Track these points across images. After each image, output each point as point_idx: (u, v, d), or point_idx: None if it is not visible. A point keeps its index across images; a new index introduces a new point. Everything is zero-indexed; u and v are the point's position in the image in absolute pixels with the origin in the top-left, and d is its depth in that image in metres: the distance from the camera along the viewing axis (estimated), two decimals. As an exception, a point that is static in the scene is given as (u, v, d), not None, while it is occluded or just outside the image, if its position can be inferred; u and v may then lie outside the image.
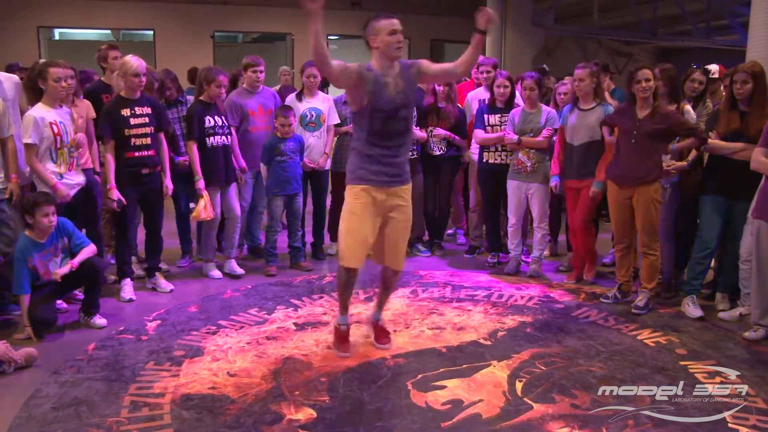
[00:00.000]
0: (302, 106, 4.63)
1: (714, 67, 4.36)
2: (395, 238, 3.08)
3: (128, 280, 3.97)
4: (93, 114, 4.07)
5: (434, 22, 12.34)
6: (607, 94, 4.63)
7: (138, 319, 3.60)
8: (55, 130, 3.55)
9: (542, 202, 4.38)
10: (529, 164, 4.34)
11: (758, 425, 2.48)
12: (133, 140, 3.80)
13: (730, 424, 2.49)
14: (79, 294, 3.73)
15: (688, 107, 3.91)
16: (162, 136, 4.02)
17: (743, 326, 3.50)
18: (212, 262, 4.42)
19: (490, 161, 4.60)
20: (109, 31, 11.74)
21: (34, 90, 3.62)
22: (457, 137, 4.80)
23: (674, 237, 3.99)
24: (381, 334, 3.27)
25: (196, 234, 4.75)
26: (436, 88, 4.77)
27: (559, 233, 5.10)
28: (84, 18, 10.86)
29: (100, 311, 3.54)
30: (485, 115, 4.59)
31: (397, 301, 3.89)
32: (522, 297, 4.02)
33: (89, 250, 3.48)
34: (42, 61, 4.01)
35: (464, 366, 2.99)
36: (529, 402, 2.65)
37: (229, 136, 4.32)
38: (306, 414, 2.54)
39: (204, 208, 4.11)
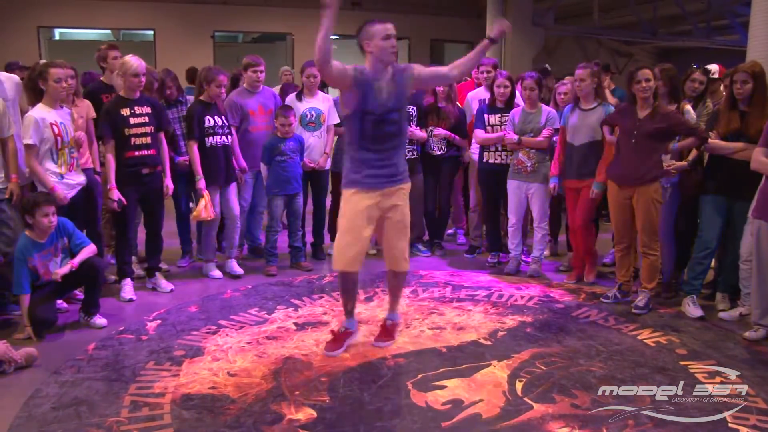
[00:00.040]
0: (302, 106, 4.63)
1: (714, 67, 4.36)
2: (391, 238, 3.08)
3: (128, 280, 3.97)
4: (93, 114, 4.07)
5: (434, 22, 12.35)
6: (608, 94, 4.62)
7: (138, 319, 3.60)
8: (56, 131, 3.55)
9: (542, 202, 4.38)
10: (529, 164, 4.34)
11: (758, 425, 2.48)
12: (132, 140, 3.80)
13: (730, 424, 2.49)
14: (79, 294, 3.73)
15: (688, 107, 3.91)
16: (162, 135, 4.02)
17: (743, 326, 3.50)
18: (212, 262, 4.42)
19: (491, 161, 4.60)
20: (109, 31, 11.74)
21: (34, 90, 3.62)
22: (457, 137, 4.80)
23: (674, 237, 3.99)
24: (382, 332, 3.27)
25: (196, 234, 4.75)
26: (436, 87, 4.77)
27: (559, 233, 5.10)
28: (84, 18, 10.86)
29: (101, 311, 3.54)
30: (485, 115, 4.59)
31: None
32: (522, 297, 4.02)
33: (89, 250, 3.48)
34: (42, 61, 4.01)
35: (464, 366, 2.98)
36: (530, 402, 2.64)
37: (229, 136, 4.32)
38: (306, 414, 2.54)
39: (204, 208, 4.11)
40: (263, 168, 4.45)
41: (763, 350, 3.23)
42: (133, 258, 4.23)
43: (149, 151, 3.87)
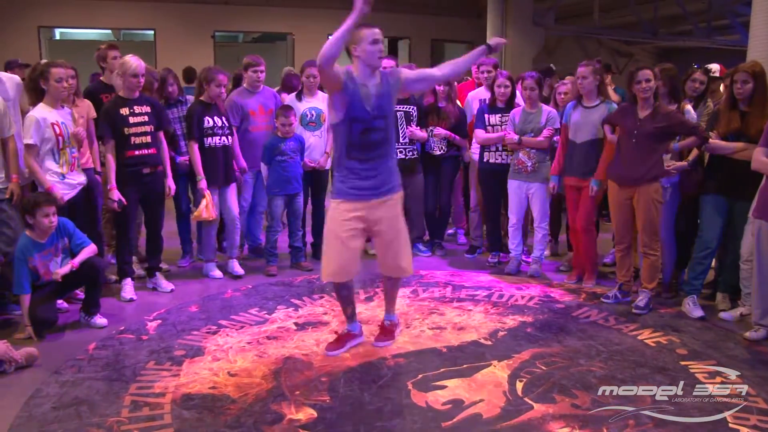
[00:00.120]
0: (302, 106, 4.63)
1: (715, 67, 4.36)
2: (381, 247, 3.07)
3: (129, 279, 3.97)
4: (94, 114, 4.07)
5: (434, 22, 12.35)
6: (611, 91, 4.61)
7: (138, 318, 3.60)
8: (57, 131, 3.56)
9: (543, 202, 4.38)
10: (529, 164, 4.34)
11: (759, 425, 2.48)
12: (132, 139, 3.80)
13: (730, 424, 2.49)
14: (79, 294, 3.73)
15: (689, 107, 3.91)
16: (162, 135, 4.02)
17: (744, 326, 3.49)
18: (212, 262, 4.42)
19: (491, 161, 4.60)
20: (109, 31, 11.75)
21: (35, 90, 3.63)
22: (457, 137, 4.80)
23: (675, 237, 3.99)
24: (382, 332, 3.27)
25: (197, 234, 4.75)
26: (437, 87, 4.77)
27: (560, 233, 5.10)
28: (84, 18, 10.87)
29: (101, 311, 3.54)
30: (486, 115, 4.59)
31: (398, 301, 3.87)
32: (522, 297, 4.02)
33: (90, 250, 3.48)
34: (43, 61, 4.02)
35: (465, 366, 2.98)
36: (530, 402, 2.64)
37: (229, 137, 4.31)
38: (306, 414, 2.54)
39: (206, 208, 4.12)
40: (263, 168, 4.45)
41: (763, 350, 3.23)
42: (134, 258, 4.23)
43: (149, 151, 3.87)
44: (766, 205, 3.22)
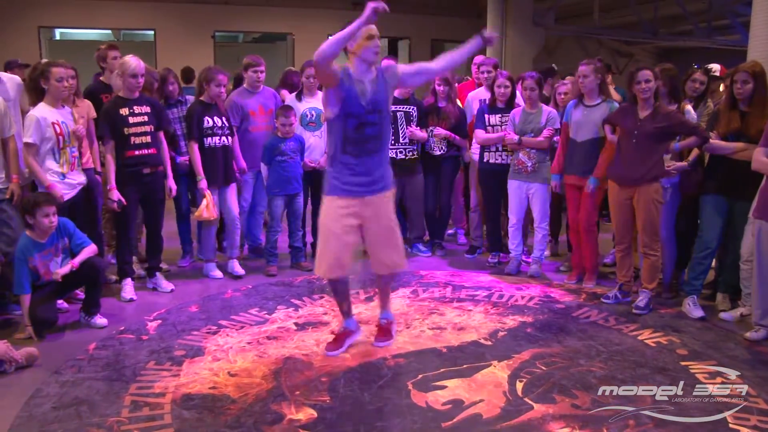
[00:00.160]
0: (302, 106, 4.63)
1: (715, 66, 4.36)
2: (373, 245, 3.06)
3: (129, 279, 3.97)
4: (94, 114, 4.08)
5: (434, 22, 12.34)
6: (612, 90, 4.60)
7: (139, 318, 3.60)
8: (58, 130, 3.56)
9: (543, 202, 4.38)
10: (529, 164, 4.34)
11: (759, 426, 2.48)
12: (132, 139, 3.80)
13: (731, 425, 2.49)
14: (80, 294, 3.73)
15: (689, 107, 3.91)
16: (162, 135, 4.02)
17: (744, 326, 3.49)
18: (212, 262, 4.42)
19: (491, 161, 4.61)
20: (109, 31, 11.74)
21: (36, 90, 3.63)
22: (457, 137, 4.80)
23: (675, 237, 3.99)
24: (380, 332, 3.27)
25: (197, 234, 4.75)
26: (437, 87, 4.78)
27: (560, 233, 5.10)
28: (85, 18, 10.86)
29: (101, 311, 3.54)
30: (486, 115, 4.59)
31: (398, 301, 3.90)
32: (522, 297, 4.02)
33: (90, 250, 3.48)
34: (44, 61, 4.02)
35: (465, 366, 2.98)
36: (530, 402, 2.64)
37: (229, 137, 4.31)
38: (306, 414, 2.54)
39: (206, 208, 4.12)
40: (263, 168, 4.45)
41: (763, 351, 3.23)
42: (134, 258, 4.23)
43: (149, 151, 3.87)
44: (767, 206, 3.22)
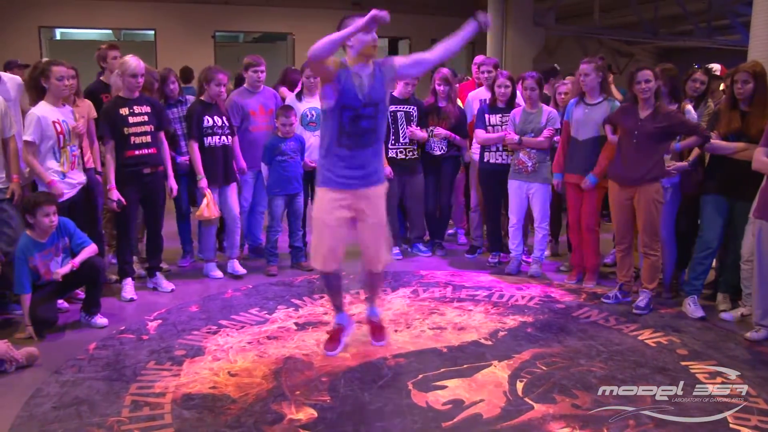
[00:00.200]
0: (302, 106, 4.63)
1: (716, 66, 4.35)
2: (365, 239, 3.05)
3: (129, 279, 3.97)
4: (94, 114, 4.08)
5: (434, 22, 12.33)
6: (614, 88, 4.59)
7: (139, 318, 3.60)
8: (59, 129, 3.56)
9: (543, 202, 4.38)
10: (530, 164, 4.34)
11: (760, 426, 2.48)
12: (132, 138, 3.80)
13: (731, 425, 2.49)
14: (80, 293, 3.73)
15: (689, 107, 3.91)
16: (162, 135, 4.02)
17: (745, 327, 3.49)
18: (212, 261, 4.42)
19: (491, 161, 4.60)
20: (110, 31, 11.75)
21: (36, 88, 3.63)
22: (457, 137, 4.80)
23: (675, 237, 3.99)
24: (374, 330, 3.26)
25: (198, 234, 4.75)
26: (437, 87, 4.78)
27: (560, 233, 5.10)
28: (85, 18, 10.87)
29: (101, 311, 3.54)
30: (486, 115, 4.59)
31: (398, 300, 3.90)
32: (523, 297, 4.02)
33: (90, 249, 3.48)
34: (45, 59, 4.02)
35: (465, 366, 2.98)
36: (530, 402, 2.64)
37: (229, 137, 4.31)
38: (307, 414, 2.54)
39: (207, 207, 4.12)
40: (264, 168, 4.45)
41: (764, 351, 3.23)
42: (134, 258, 4.23)
43: (149, 150, 3.87)
44: (767, 206, 3.22)
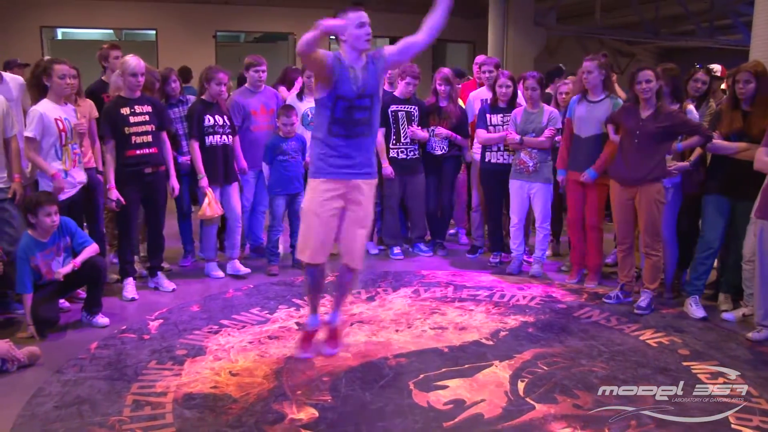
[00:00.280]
0: (303, 106, 4.64)
1: (716, 67, 4.35)
2: (351, 232, 2.99)
3: (131, 279, 3.97)
4: (95, 113, 4.08)
5: (436, 21, 12.32)
6: (617, 86, 4.59)
7: (140, 318, 3.60)
8: (60, 126, 3.57)
9: (544, 202, 4.38)
10: (531, 164, 4.34)
11: (761, 426, 2.48)
12: (133, 138, 3.80)
13: (733, 425, 2.49)
14: (81, 293, 3.74)
15: (691, 107, 3.90)
16: (164, 135, 4.02)
17: (746, 327, 3.49)
18: (214, 261, 4.42)
19: (493, 161, 4.60)
20: (111, 31, 11.76)
21: (38, 87, 3.64)
22: (458, 137, 4.80)
23: (677, 237, 3.98)
24: (330, 336, 3.16)
25: (199, 233, 4.75)
26: (438, 87, 4.78)
27: (561, 233, 5.09)
28: (86, 18, 10.88)
29: (103, 310, 3.54)
30: (487, 115, 4.59)
31: (400, 300, 3.90)
32: (524, 297, 4.02)
33: (91, 249, 3.49)
34: (47, 58, 4.03)
35: (466, 366, 2.98)
36: (531, 402, 2.64)
37: (230, 136, 4.31)
38: (308, 413, 2.54)
39: (208, 205, 4.13)
40: (265, 167, 4.45)
41: (766, 351, 3.22)
42: (136, 257, 4.24)
43: (150, 150, 3.87)
44: (769, 206, 3.21)
